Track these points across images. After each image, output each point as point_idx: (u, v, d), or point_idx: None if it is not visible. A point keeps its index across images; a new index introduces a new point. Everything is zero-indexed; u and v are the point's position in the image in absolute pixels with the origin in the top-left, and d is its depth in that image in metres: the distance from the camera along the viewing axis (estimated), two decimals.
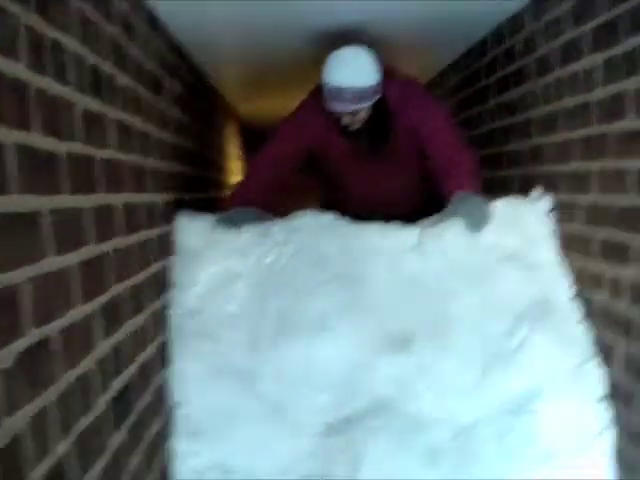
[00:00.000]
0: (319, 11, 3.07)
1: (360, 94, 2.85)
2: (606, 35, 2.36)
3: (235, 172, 5.98)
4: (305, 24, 3.30)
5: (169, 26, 2.94)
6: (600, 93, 2.42)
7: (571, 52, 2.63)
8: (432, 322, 2.72)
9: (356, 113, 2.93)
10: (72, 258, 1.62)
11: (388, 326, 2.70)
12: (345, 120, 2.97)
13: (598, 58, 2.43)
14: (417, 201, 3.49)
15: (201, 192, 3.78)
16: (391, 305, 2.73)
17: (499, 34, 3.41)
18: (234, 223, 2.83)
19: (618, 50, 2.28)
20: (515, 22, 3.19)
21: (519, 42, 3.17)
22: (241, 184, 3.17)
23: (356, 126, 3.02)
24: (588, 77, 2.50)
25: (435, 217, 2.90)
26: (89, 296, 1.73)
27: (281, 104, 5.77)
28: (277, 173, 3.12)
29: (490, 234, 2.82)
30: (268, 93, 5.37)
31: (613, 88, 2.33)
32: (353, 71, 2.82)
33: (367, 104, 2.92)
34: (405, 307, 2.74)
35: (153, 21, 2.67)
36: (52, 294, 1.49)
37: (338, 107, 2.88)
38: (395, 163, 3.26)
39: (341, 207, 3.21)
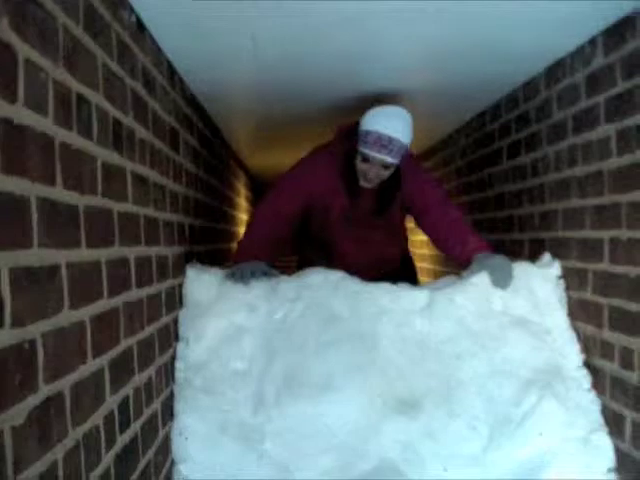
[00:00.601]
0: (332, 79, 3.20)
1: (402, 149, 2.98)
2: (620, 106, 2.38)
3: (245, 223, 6.00)
4: (319, 89, 3.40)
5: (186, 80, 2.97)
6: (614, 163, 2.43)
7: (585, 121, 2.66)
8: (440, 385, 2.69)
9: (388, 168, 3.03)
10: (86, 312, 1.61)
11: (396, 388, 2.67)
12: (372, 172, 3.04)
13: (612, 128, 2.44)
14: (394, 263, 3.59)
15: (212, 243, 3.78)
16: (399, 367, 2.71)
17: (514, 99, 3.45)
18: (245, 276, 2.85)
19: (633, 121, 2.30)
20: (530, 88, 3.23)
21: (533, 108, 3.20)
22: (246, 238, 3.18)
23: (376, 182, 3.09)
24: (602, 146, 2.52)
25: (463, 274, 2.96)
26: (100, 350, 1.71)
27: (289, 158, 5.83)
28: (278, 228, 3.17)
29: (499, 298, 2.82)
30: (277, 147, 5.43)
31: (628, 158, 2.34)
32: (403, 125, 2.97)
33: (398, 162, 3.03)
34: (413, 369, 2.71)
35: (172, 75, 2.70)
36: (66, 349, 1.48)
37: (385, 156, 2.96)
38: (385, 225, 3.37)
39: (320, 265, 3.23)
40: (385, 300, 2.80)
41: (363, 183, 3.11)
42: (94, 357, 1.66)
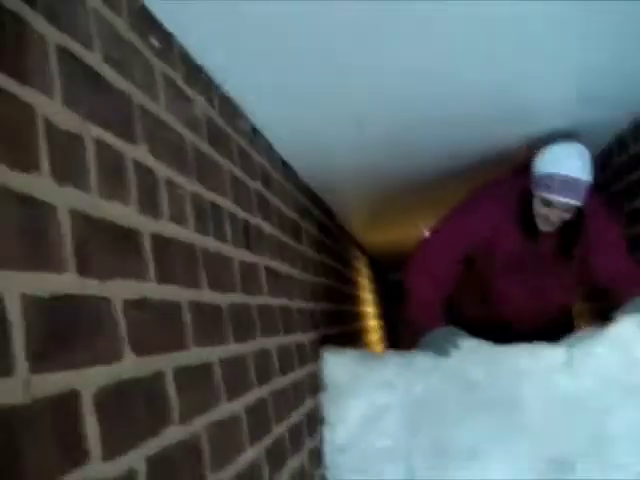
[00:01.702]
0: (437, 146, 3.21)
1: (587, 189, 2.80)
2: None
3: (368, 303, 6.07)
4: (426, 159, 3.44)
5: (299, 173, 3.12)
6: None
7: None
8: (592, 443, 2.61)
9: (570, 210, 2.85)
10: (240, 404, 1.70)
11: (546, 449, 2.62)
12: (555, 216, 2.86)
13: None
14: (564, 315, 3.40)
15: (342, 325, 3.86)
16: (546, 427, 2.66)
17: (622, 142, 3.41)
18: (450, 343, 2.79)
19: None
20: (622, 140, 3.20)
21: (629, 159, 3.17)
22: (424, 298, 2.92)
23: (554, 227, 2.93)
24: None
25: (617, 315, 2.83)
26: (255, 439, 1.79)
27: (405, 234, 5.91)
28: (453, 274, 3.01)
29: None
30: (393, 225, 5.52)
31: None
32: (584, 163, 2.79)
33: (582, 203, 2.83)
34: (562, 428, 2.65)
35: (286, 170, 2.85)
36: (227, 440, 1.57)
37: (569, 199, 2.78)
38: (564, 272, 3.15)
39: (476, 312, 3.16)
40: (522, 361, 2.76)
41: (544, 227, 2.93)
42: (251, 446, 1.75)
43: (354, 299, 4.99)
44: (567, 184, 2.75)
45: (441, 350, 2.80)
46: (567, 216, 2.87)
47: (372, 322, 6.23)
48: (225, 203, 1.85)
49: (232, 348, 1.71)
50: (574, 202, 2.79)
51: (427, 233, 3.14)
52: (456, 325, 2.92)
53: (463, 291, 3.28)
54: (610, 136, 3.49)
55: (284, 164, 2.84)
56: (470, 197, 3.07)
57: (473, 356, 2.81)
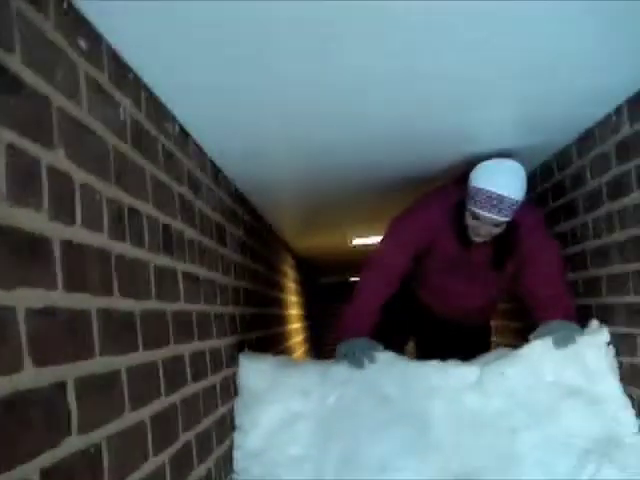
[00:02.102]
0: (371, 163, 3.29)
1: (514, 207, 2.87)
2: None
3: (293, 306, 6.08)
4: (358, 174, 3.51)
5: (230, 177, 3.11)
6: None
7: (618, 187, 2.70)
8: (497, 460, 2.69)
9: (499, 225, 2.94)
10: (146, 412, 1.69)
11: (453, 465, 2.68)
12: (483, 230, 2.95)
13: None
14: (486, 318, 3.59)
15: (263, 329, 3.87)
16: (454, 444, 2.72)
17: (548, 169, 3.50)
18: (365, 355, 2.87)
19: None
20: (563, 158, 3.29)
21: (567, 177, 3.26)
22: (354, 309, 3.07)
23: (484, 239, 3.02)
24: (637, 211, 2.55)
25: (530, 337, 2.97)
26: (160, 448, 1.78)
27: (335, 238, 5.95)
28: (392, 286, 3.12)
29: (550, 369, 2.83)
30: (323, 232, 5.55)
31: None
32: (516, 182, 2.86)
33: (510, 219, 2.92)
34: (469, 446, 2.72)
35: (216, 174, 2.84)
36: (129, 449, 1.56)
37: (494, 215, 2.86)
38: (490, 282, 3.30)
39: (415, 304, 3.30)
40: (435, 378, 2.83)
41: (475, 238, 3.02)
42: (155, 454, 1.74)
43: (278, 302, 5.00)
44: (492, 200, 2.83)
45: (356, 361, 2.86)
46: (497, 231, 2.96)
47: (296, 325, 6.25)
48: (145, 208, 1.83)
49: (141, 356, 1.70)
50: (498, 218, 2.87)
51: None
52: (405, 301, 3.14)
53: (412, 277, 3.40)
54: (536, 162, 3.58)
55: (215, 169, 2.83)
56: (416, 203, 3.21)
57: (388, 370, 2.86)
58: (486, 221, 2.91)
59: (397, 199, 4.15)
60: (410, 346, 3.90)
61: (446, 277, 3.28)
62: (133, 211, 1.74)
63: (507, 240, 3.06)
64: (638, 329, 2.64)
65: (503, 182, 2.83)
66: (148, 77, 1.92)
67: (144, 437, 1.67)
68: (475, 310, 3.47)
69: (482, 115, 2.68)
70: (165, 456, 1.82)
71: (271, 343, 4.09)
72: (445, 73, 2.14)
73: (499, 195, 2.82)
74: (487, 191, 2.83)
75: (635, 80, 2.40)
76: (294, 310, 6.11)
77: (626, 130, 2.60)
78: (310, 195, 4.06)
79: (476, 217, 2.92)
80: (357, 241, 6.02)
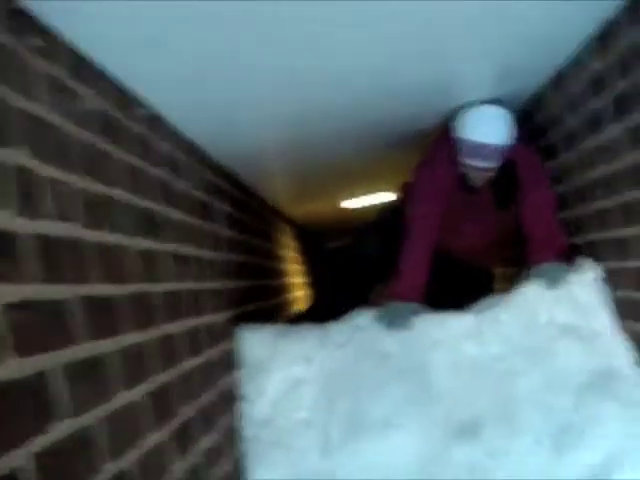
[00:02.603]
0: (356, 123, 3.26)
1: (502, 151, 2.94)
2: (624, 105, 2.44)
3: (294, 274, 6.12)
4: (345, 136, 3.49)
5: (211, 153, 3.13)
6: (630, 159, 2.48)
7: (595, 123, 2.71)
8: (498, 405, 2.74)
9: (489, 170, 3.02)
10: (139, 390, 1.75)
11: (455, 414, 2.74)
12: (477, 175, 3.05)
13: (621, 127, 2.50)
14: (493, 259, 3.71)
15: (261, 301, 3.91)
16: (455, 393, 2.78)
17: (526, 113, 3.51)
18: (404, 318, 2.92)
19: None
20: (539, 100, 3.29)
21: (546, 118, 3.27)
22: (406, 269, 3.08)
23: (481, 183, 3.10)
24: (616, 145, 2.57)
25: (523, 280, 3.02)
26: (159, 424, 1.84)
27: (332, 204, 5.97)
28: (435, 238, 3.16)
29: (544, 310, 2.87)
30: (318, 196, 5.55)
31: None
32: (497, 129, 2.92)
33: (499, 163, 3.00)
34: (470, 393, 2.78)
35: (196, 152, 2.86)
36: (125, 428, 1.61)
37: (480, 163, 2.95)
38: (495, 221, 3.37)
39: None
40: (432, 330, 2.88)
41: (474, 182, 3.11)
42: (155, 431, 1.80)
43: (276, 273, 5.04)
44: (476, 149, 2.91)
45: (391, 324, 2.92)
46: (489, 174, 3.05)
47: (299, 293, 6.29)
48: (121, 194, 1.87)
49: (130, 338, 1.75)
50: (484, 165, 2.96)
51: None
52: None
53: None
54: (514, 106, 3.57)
55: (192, 145, 2.85)
56: (421, 165, 3.26)
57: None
58: (474, 168, 2.98)
59: (388, 157, 4.18)
60: None
61: (456, 219, 3.33)
62: (108, 199, 1.77)
63: (506, 180, 3.13)
64: (627, 262, 2.67)
65: (484, 130, 2.90)
66: (111, 66, 1.94)
67: (139, 415, 1.72)
68: (484, 248, 3.57)
69: (455, 67, 2.68)
70: (165, 431, 1.88)
71: (272, 313, 4.14)
72: (416, 31, 2.14)
73: (482, 143, 2.89)
74: (469, 140, 2.91)
75: (599, 15, 2.40)
76: (297, 278, 6.15)
77: (597, 65, 2.60)
78: (296, 162, 4.06)
79: (464, 165, 3.01)
80: (346, 204, 6.03)
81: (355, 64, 2.39)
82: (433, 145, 3.31)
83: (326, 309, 3.66)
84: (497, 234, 3.52)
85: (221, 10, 1.74)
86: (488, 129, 2.91)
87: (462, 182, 3.16)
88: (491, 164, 2.96)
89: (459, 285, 3.51)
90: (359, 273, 3.56)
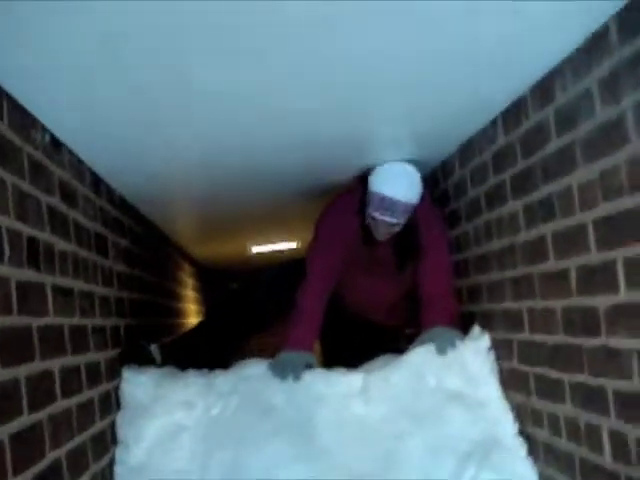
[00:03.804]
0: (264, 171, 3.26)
1: (409, 209, 3.03)
2: (523, 183, 2.51)
3: (191, 314, 6.02)
4: (253, 181, 3.48)
5: (113, 186, 3.05)
6: (523, 236, 2.55)
7: (495, 197, 2.79)
8: (381, 466, 2.73)
9: (394, 226, 3.07)
10: (4, 431, 1.64)
11: (338, 472, 2.69)
12: (382, 230, 3.09)
13: (519, 204, 2.57)
14: (396, 318, 3.68)
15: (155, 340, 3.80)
16: (340, 451, 2.74)
17: (434, 178, 3.58)
18: (295, 370, 2.89)
19: (535, 197, 2.42)
20: (447, 167, 3.37)
21: (451, 186, 3.34)
22: (299, 319, 3.08)
23: (384, 238, 3.14)
24: (512, 221, 2.64)
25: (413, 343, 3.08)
26: (21, 467, 1.73)
27: (235, 246, 5.92)
28: (329, 291, 3.20)
29: (433, 375, 2.89)
30: (221, 237, 5.50)
31: (534, 232, 2.45)
32: (408, 187, 3.02)
33: (405, 221, 3.07)
34: (354, 452, 2.75)
35: (96, 183, 2.78)
36: None
37: (387, 218, 3.01)
38: (395, 278, 3.40)
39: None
40: (320, 386, 2.85)
41: (377, 236, 3.15)
42: (15, 475, 1.68)
43: (173, 312, 4.93)
44: (384, 204, 2.98)
45: (282, 373, 2.89)
46: (395, 229, 3.11)
47: None
48: (5, 221, 1.78)
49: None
50: (392, 220, 3.02)
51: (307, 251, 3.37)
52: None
53: None
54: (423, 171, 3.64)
55: (95, 178, 2.76)
56: (325, 211, 3.32)
57: (272, 380, 2.86)
58: (381, 223, 3.04)
59: (297, 206, 4.18)
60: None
61: (356, 273, 3.36)
62: None
63: (407, 241, 3.21)
64: (514, 334, 2.73)
65: (396, 187, 2.98)
66: (11, 86, 1.87)
67: (1, 457, 1.62)
68: (385, 306, 3.58)
69: (373, 127, 2.74)
70: (28, 475, 1.77)
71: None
72: (336, 80, 2.15)
73: (391, 199, 2.97)
74: (381, 195, 2.98)
75: (509, 94, 2.48)
76: (194, 318, 6.03)
77: (501, 142, 2.68)
78: (203, 204, 4.03)
79: (373, 218, 3.06)
80: (256, 249, 6.01)
81: (275, 108, 2.38)
82: (339, 196, 3.36)
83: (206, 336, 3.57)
84: (396, 292, 3.54)
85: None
86: (400, 185, 2.99)
87: (364, 235, 3.19)
88: (397, 220, 3.03)
89: (355, 341, 3.51)
90: (247, 314, 3.51)
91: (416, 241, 3.22)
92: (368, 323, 3.63)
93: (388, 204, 2.98)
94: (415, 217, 3.14)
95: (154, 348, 3.25)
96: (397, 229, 3.12)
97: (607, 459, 2.08)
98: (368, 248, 3.24)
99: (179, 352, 3.42)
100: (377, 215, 3.02)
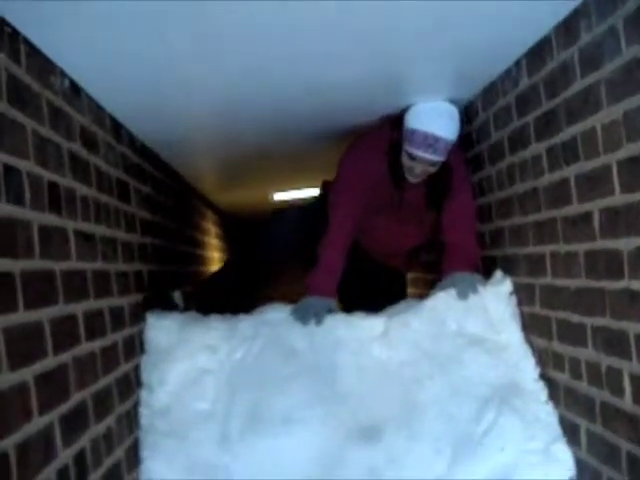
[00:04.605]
0: (286, 114, 3.23)
1: (449, 147, 3.00)
2: (547, 124, 2.47)
3: (215, 262, 6.05)
4: (276, 125, 3.44)
5: (134, 132, 3.04)
6: (546, 179, 2.52)
7: (519, 140, 2.75)
8: (401, 410, 2.75)
9: (434, 165, 3.05)
10: (28, 372, 1.67)
11: (358, 416, 2.73)
12: (419, 169, 3.06)
13: (542, 146, 2.53)
14: (414, 259, 3.73)
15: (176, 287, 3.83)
16: (360, 394, 2.77)
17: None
18: (318, 314, 2.91)
19: (558, 139, 2.38)
20: (470, 111, 3.32)
21: (475, 130, 3.30)
22: (323, 265, 3.10)
23: (422, 177, 3.12)
24: (535, 164, 2.60)
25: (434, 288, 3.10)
26: (46, 407, 1.77)
27: (259, 193, 5.91)
28: (352, 235, 3.20)
29: (454, 320, 2.90)
30: (245, 184, 5.49)
31: (558, 175, 2.42)
32: (450, 123, 3.00)
33: (445, 159, 3.04)
34: (374, 396, 2.78)
35: (117, 129, 2.77)
36: (6, 410, 1.54)
37: (429, 156, 2.98)
38: (423, 222, 3.39)
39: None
40: (341, 330, 2.87)
41: (410, 178, 3.12)
42: (41, 414, 1.72)
43: (195, 260, 4.95)
44: (427, 141, 2.94)
45: (304, 318, 2.91)
46: (432, 170, 3.08)
47: None
48: (25, 165, 1.78)
49: (22, 316, 1.67)
50: (434, 158, 2.99)
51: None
52: None
53: None
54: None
55: (115, 123, 2.76)
56: (353, 147, 3.28)
57: (295, 325, 2.89)
58: (422, 161, 3.01)
59: (319, 151, 4.16)
60: None
61: (379, 217, 3.34)
62: (9, 169, 1.69)
63: (440, 181, 3.18)
64: (536, 279, 2.72)
65: (438, 123, 2.95)
66: (29, 31, 1.86)
67: (26, 397, 1.65)
68: (406, 251, 3.60)
69: (396, 69, 2.70)
70: (54, 415, 1.80)
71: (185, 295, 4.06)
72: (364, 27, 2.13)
73: (435, 136, 2.94)
74: (423, 132, 2.94)
75: (533, 33, 2.42)
76: (217, 266, 6.06)
77: (524, 83, 2.63)
78: (225, 149, 3.99)
79: (412, 157, 3.02)
80: (278, 196, 5.99)
81: (302, 50, 2.34)
82: (363, 135, 3.31)
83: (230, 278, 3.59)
84: (420, 236, 3.52)
85: None
86: (442, 122, 2.97)
87: (393, 178, 3.16)
88: (439, 157, 3.00)
89: (372, 286, 3.51)
90: (271, 255, 3.52)
91: (449, 182, 3.19)
92: (384, 267, 3.63)
93: (432, 141, 2.94)
94: (450, 158, 3.10)
95: (177, 295, 3.29)
96: (434, 169, 3.08)
97: (627, 402, 2.08)
98: (397, 191, 3.21)
99: (202, 297, 3.45)
100: (419, 153, 2.97)
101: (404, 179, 3.15)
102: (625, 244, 1.99)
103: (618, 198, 2.01)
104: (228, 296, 3.50)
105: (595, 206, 2.16)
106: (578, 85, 2.19)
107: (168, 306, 3.07)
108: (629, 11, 1.85)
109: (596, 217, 2.16)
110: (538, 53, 2.48)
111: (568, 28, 2.23)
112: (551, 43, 2.37)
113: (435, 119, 2.95)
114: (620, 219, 2.01)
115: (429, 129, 2.93)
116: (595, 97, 2.09)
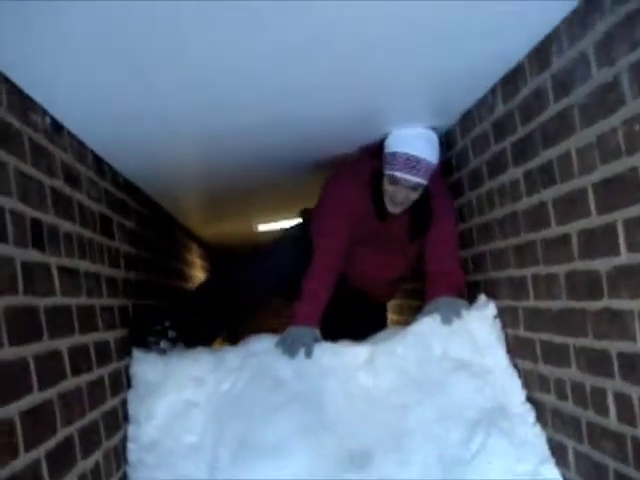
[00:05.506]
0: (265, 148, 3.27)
1: (430, 170, 3.01)
2: (523, 149, 2.51)
3: None
4: (257, 159, 3.48)
5: (116, 167, 3.06)
6: (524, 203, 2.55)
7: (497, 165, 2.79)
8: (390, 436, 2.75)
9: (416, 190, 3.05)
10: (13, 408, 1.67)
11: (347, 443, 2.73)
12: (401, 195, 3.05)
13: (519, 171, 2.57)
14: (395, 289, 3.74)
15: None
16: (348, 422, 2.78)
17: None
18: (306, 345, 2.90)
19: (535, 163, 2.42)
20: (449, 138, 3.36)
21: (454, 156, 3.34)
22: (308, 295, 3.08)
23: (404, 206, 3.12)
24: (513, 188, 2.64)
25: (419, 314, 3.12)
26: (33, 443, 1.76)
27: (244, 224, 5.93)
28: (338, 268, 3.20)
29: (439, 344, 2.91)
30: (228, 217, 5.50)
31: (535, 198, 2.45)
32: (430, 146, 3.04)
33: (426, 183, 3.05)
34: (362, 423, 2.78)
35: (99, 164, 2.79)
36: None
37: (412, 177, 2.98)
38: (408, 252, 3.40)
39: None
40: (327, 359, 2.88)
41: (391, 208, 3.11)
42: (27, 451, 1.72)
43: (180, 291, 4.94)
44: (410, 162, 2.96)
45: (291, 350, 2.90)
46: (414, 196, 3.08)
47: None
48: (8, 202, 1.80)
49: (6, 352, 1.67)
50: (415, 179, 2.99)
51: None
52: None
53: None
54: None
55: (97, 159, 2.77)
56: (332, 179, 3.29)
57: (281, 355, 2.89)
58: (404, 184, 3.01)
59: (301, 182, 4.18)
60: None
61: (362, 247, 3.34)
62: None
63: (423, 210, 3.19)
64: (519, 301, 2.74)
65: (419, 145, 2.99)
66: (9, 70, 1.89)
67: (11, 434, 1.65)
68: (388, 281, 3.59)
69: (375, 101, 2.73)
70: (40, 451, 1.80)
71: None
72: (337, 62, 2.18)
73: (416, 157, 2.96)
74: (405, 154, 2.97)
75: (506, 62, 2.47)
76: None
77: (500, 110, 2.68)
78: (208, 182, 4.02)
79: (394, 181, 3.02)
80: (262, 227, 6.00)
81: (281, 85, 2.38)
82: (345, 166, 3.33)
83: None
84: (403, 267, 3.54)
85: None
86: (423, 144, 3.00)
87: (375, 208, 3.17)
88: (421, 180, 3.01)
89: (353, 315, 3.51)
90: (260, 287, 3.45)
91: (430, 210, 3.21)
92: (363, 297, 3.62)
93: (413, 162, 2.95)
94: (430, 184, 3.11)
95: (163, 343, 3.17)
96: (416, 195, 3.08)
97: (613, 421, 2.09)
98: (381, 222, 3.21)
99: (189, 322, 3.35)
100: (401, 175, 2.98)
101: (386, 210, 3.15)
102: (603, 264, 2.02)
103: (594, 219, 2.04)
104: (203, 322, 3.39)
105: (572, 228, 2.19)
106: (552, 110, 2.24)
107: (150, 348, 3.01)
108: (598, 36, 1.89)
109: (574, 239, 2.19)
110: (512, 80, 2.53)
111: (540, 54, 2.28)
112: (524, 70, 2.42)
113: (416, 141, 2.99)
114: (597, 240, 2.04)
115: (411, 151, 2.96)
116: (569, 121, 2.13)
